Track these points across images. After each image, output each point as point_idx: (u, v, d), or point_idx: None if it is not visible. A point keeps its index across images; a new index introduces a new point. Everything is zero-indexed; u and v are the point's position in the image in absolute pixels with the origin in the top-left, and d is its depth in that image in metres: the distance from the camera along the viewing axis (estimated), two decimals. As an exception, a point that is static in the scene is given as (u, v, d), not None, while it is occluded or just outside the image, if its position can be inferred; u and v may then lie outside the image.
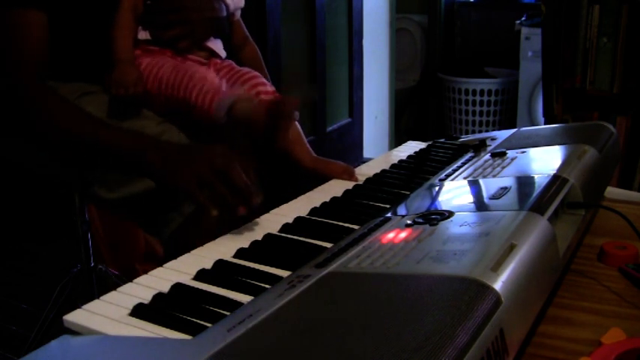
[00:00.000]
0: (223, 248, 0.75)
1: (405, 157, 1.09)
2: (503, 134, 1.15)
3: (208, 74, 1.06)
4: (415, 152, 1.13)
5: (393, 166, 1.05)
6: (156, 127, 1.07)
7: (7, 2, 1.00)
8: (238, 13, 1.23)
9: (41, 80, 1.04)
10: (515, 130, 1.17)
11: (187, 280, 0.67)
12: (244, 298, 0.62)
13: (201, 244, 0.77)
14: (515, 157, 0.96)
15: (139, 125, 1.07)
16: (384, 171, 1.02)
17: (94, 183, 1.07)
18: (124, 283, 0.66)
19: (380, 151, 3.26)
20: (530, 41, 2.97)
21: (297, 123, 1.13)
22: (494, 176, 0.88)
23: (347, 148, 3.21)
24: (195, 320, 0.58)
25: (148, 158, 0.95)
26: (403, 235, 0.69)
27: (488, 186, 0.84)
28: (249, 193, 0.82)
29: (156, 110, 1.08)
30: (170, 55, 1.09)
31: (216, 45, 1.15)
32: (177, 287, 0.65)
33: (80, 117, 1.01)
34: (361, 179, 0.99)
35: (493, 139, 1.13)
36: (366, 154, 3.38)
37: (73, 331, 0.59)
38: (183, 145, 1.00)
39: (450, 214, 0.73)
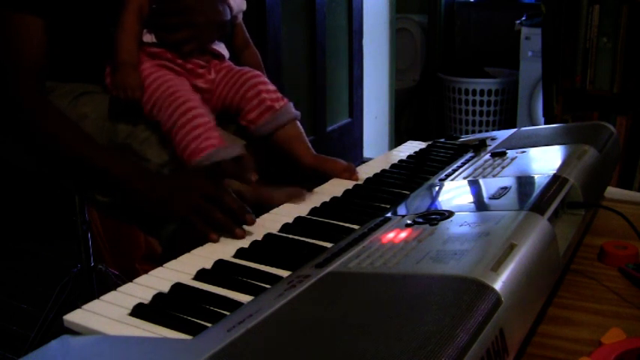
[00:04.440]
0: (223, 248, 0.75)
1: (405, 157, 1.09)
2: (503, 134, 1.15)
3: (203, 118, 1.03)
4: (415, 152, 1.13)
5: (393, 166, 1.05)
6: (142, 132, 1.07)
7: (5, 8, 1.00)
8: (240, 16, 1.23)
9: (39, 84, 1.04)
10: (515, 130, 1.17)
11: (187, 280, 0.67)
12: (244, 298, 0.62)
13: (201, 244, 0.77)
14: (515, 157, 0.96)
15: (130, 129, 1.07)
16: (384, 171, 1.02)
17: (89, 187, 1.07)
18: (124, 283, 0.66)
19: (380, 151, 3.26)
20: (530, 41, 2.97)
21: (297, 122, 1.13)
22: (494, 176, 0.88)
23: (347, 148, 3.21)
24: (195, 320, 0.58)
25: (139, 190, 0.96)
26: (403, 235, 0.69)
27: (488, 186, 0.84)
28: (242, 214, 0.81)
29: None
30: (171, 57, 1.08)
31: (220, 47, 1.15)
32: (177, 287, 0.65)
33: (76, 136, 1.02)
34: (361, 179, 0.99)
35: (493, 139, 1.13)
36: (366, 154, 3.38)
37: (73, 331, 0.58)
38: (171, 175, 1.00)
39: (450, 214, 0.73)
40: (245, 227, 0.80)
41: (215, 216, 0.82)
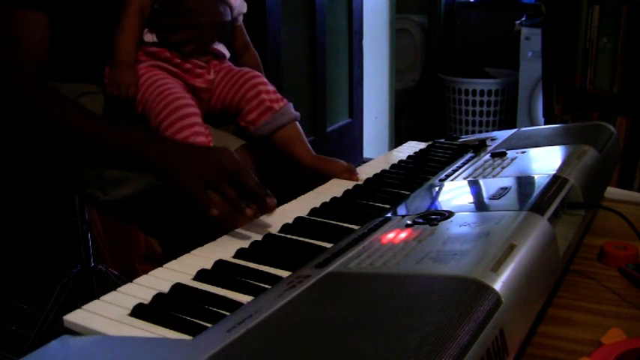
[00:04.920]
0: (223, 248, 0.75)
1: (405, 157, 1.09)
2: (503, 134, 1.15)
3: (191, 119, 1.02)
4: (415, 152, 1.13)
5: (393, 166, 1.05)
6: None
7: (9, 3, 1.00)
8: (241, 19, 1.23)
9: (42, 80, 1.04)
10: (515, 130, 1.17)
11: (187, 280, 0.67)
12: (244, 298, 0.62)
13: (201, 244, 0.77)
14: (515, 157, 0.96)
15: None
16: (384, 171, 1.02)
17: (90, 185, 1.07)
18: (124, 283, 0.66)
19: (380, 151, 3.26)
20: (530, 41, 2.97)
21: (297, 123, 1.13)
22: (494, 176, 0.88)
23: (347, 148, 3.21)
24: (195, 320, 0.58)
25: (151, 155, 0.93)
26: (403, 235, 0.69)
27: (488, 186, 0.84)
28: (261, 195, 0.80)
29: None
30: (169, 56, 1.08)
31: (220, 47, 1.15)
32: (178, 287, 0.65)
33: (81, 114, 1.01)
34: (361, 179, 0.99)
35: (493, 139, 1.13)
36: (366, 154, 3.38)
37: (73, 331, 0.58)
38: (192, 145, 0.98)
39: (450, 214, 0.73)
40: (246, 226, 0.80)
41: (226, 191, 0.81)
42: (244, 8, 1.20)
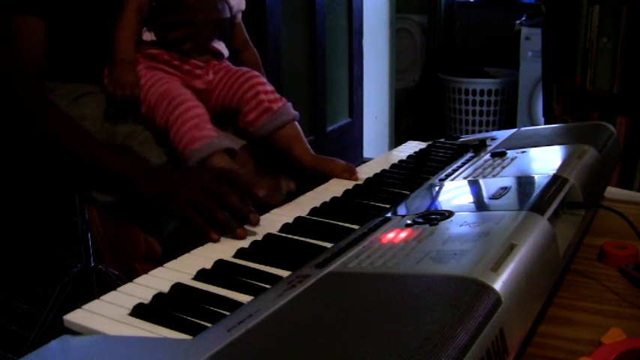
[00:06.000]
0: (223, 248, 0.75)
1: (405, 157, 1.09)
2: (503, 134, 1.15)
3: (197, 110, 1.03)
4: (415, 152, 1.13)
5: (393, 166, 1.05)
6: (141, 133, 1.07)
7: (6, 8, 1.00)
8: (240, 16, 1.23)
9: (40, 85, 1.04)
10: (515, 130, 1.17)
11: (187, 280, 0.67)
12: (244, 298, 0.62)
13: (201, 244, 0.77)
14: (515, 157, 0.96)
15: (129, 130, 1.07)
16: (384, 171, 1.02)
17: (90, 186, 1.07)
18: (124, 283, 0.66)
19: (380, 151, 3.26)
20: (530, 41, 2.98)
21: (296, 122, 1.13)
22: (494, 176, 0.88)
23: (347, 148, 3.21)
24: (195, 320, 0.58)
25: (139, 184, 0.95)
26: (403, 235, 0.69)
27: (488, 186, 0.84)
28: (245, 214, 0.81)
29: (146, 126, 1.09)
30: (168, 58, 1.08)
31: (219, 45, 1.15)
32: (177, 287, 0.65)
33: (76, 134, 1.02)
34: (361, 179, 0.99)
35: (493, 139, 1.13)
36: (366, 154, 3.38)
37: (73, 331, 0.58)
38: (175, 170, 0.99)
39: (450, 214, 0.73)
40: (247, 227, 0.80)
41: (216, 214, 0.82)
42: (243, 5, 1.20)
